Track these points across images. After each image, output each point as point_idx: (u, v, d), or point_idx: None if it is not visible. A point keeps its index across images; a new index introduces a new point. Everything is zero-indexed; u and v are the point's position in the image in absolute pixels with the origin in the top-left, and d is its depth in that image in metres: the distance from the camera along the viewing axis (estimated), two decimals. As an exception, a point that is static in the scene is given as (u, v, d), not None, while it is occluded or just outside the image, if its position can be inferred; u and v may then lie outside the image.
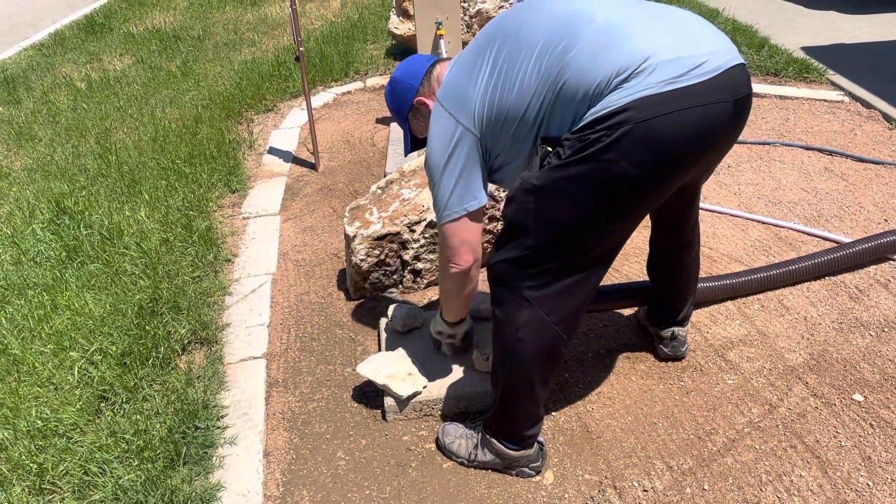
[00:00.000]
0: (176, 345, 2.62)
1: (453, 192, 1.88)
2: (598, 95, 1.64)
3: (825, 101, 4.39)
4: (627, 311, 2.68)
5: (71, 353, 2.55)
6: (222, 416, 2.35)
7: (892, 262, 2.82)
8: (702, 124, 1.65)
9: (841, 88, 4.49)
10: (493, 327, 1.95)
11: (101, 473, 2.08)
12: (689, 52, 1.64)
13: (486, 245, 2.84)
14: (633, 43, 1.63)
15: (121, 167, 4.03)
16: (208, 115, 4.73)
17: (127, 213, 3.52)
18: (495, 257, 1.87)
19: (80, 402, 2.34)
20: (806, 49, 5.12)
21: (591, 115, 1.64)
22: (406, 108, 2.07)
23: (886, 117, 4.06)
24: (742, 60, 1.72)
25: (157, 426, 2.23)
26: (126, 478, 2.03)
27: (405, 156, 2.41)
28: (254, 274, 3.14)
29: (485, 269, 2.41)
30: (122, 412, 2.33)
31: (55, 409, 2.33)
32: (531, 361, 1.89)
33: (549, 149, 1.74)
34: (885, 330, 2.49)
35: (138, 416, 2.27)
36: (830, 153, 3.74)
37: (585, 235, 1.76)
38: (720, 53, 1.67)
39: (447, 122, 1.85)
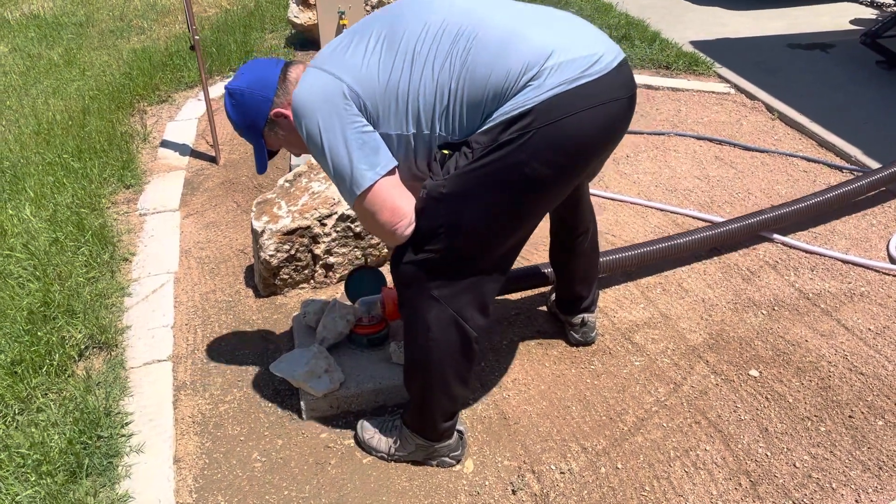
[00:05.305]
0: (72, 350, 2.47)
1: (359, 157, 1.67)
2: (507, 94, 1.63)
3: (713, 92, 4.62)
4: (539, 300, 2.74)
5: (-47, 365, 2.36)
6: (127, 424, 2.23)
7: (775, 243, 3.01)
8: (605, 122, 1.71)
9: (727, 81, 4.74)
10: (404, 330, 1.92)
11: (-6, 492, 1.94)
12: (584, 52, 1.67)
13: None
14: (534, 40, 1.64)
15: (1, 163, 3.76)
16: (97, 106, 4.47)
17: (10, 211, 3.28)
18: (401, 259, 1.80)
19: (-33, 417, 2.18)
20: (694, 43, 5.36)
21: (501, 116, 1.63)
22: (261, 123, 1.83)
23: (768, 108, 4.31)
24: (624, 56, 1.77)
25: (56, 437, 2.10)
26: (24, 494, 1.90)
27: (260, 173, 1.96)
28: (154, 273, 3.00)
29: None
30: (14, 424, 2.18)
31: (-62, 425, 2.15)
32: (445, 359, 1.88)
33: (446, 152, 1.69)
34: (776, 308, 2.65)
35: (33, 429, 2.13)
36: (720, 142, 3.94)
37: (495, 235, 1.76)
38: (609, 51, 1.73)
39: (331, 84, 1.68)
